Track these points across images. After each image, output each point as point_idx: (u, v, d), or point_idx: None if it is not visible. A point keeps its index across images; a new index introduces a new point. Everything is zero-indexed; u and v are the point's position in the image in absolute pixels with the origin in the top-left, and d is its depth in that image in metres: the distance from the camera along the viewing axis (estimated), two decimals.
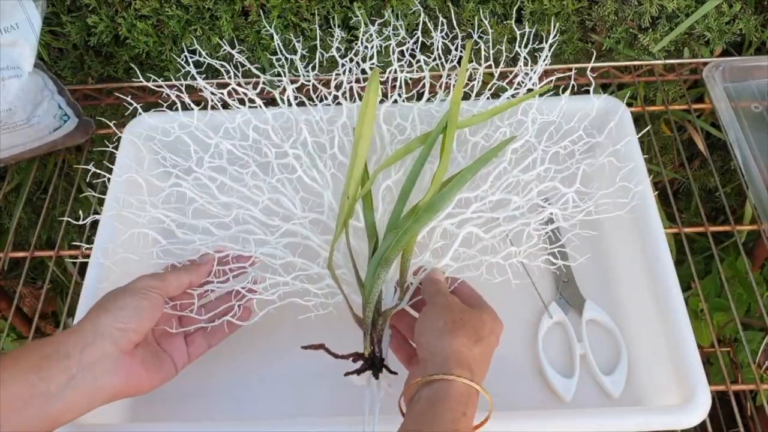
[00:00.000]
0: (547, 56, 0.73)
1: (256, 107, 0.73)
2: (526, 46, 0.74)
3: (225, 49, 0.78)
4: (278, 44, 0.76)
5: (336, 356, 0.55)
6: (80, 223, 0.66)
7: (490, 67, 0.75)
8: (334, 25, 0.86)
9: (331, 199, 0.67)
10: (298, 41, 0.77)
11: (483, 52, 0.74)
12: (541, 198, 0.67)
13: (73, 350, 0.48)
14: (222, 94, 0.72)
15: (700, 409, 0.57)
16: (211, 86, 0.73)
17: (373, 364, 0.55)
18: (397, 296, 0.60)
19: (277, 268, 0.64)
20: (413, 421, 0.48)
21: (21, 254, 0.79)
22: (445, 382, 0.49)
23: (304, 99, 0.75)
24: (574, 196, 0.66)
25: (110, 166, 0.74)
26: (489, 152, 0.66)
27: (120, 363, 0.51)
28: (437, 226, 0.64)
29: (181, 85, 0.73)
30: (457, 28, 0.77)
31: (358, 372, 0.55)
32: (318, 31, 0.82)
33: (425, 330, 0.54)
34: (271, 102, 0.77)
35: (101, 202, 0.73)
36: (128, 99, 0.74)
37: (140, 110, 0.74)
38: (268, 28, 0.80)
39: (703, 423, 0.60)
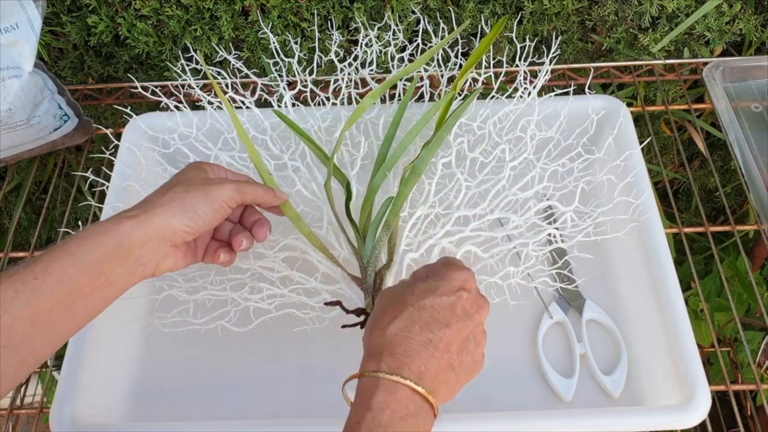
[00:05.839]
0: (547, 71, 0.74)
1: (254, 114, 0.73)
2: (525, 53, 0.74)
3: (224, 51, 0.78)
4: (275, 46, 0.76)
5: (347, 311, 0.60)
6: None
7: (489, 68, 0.75)
8: (333, 27, 0.86)
9: (330, 213, 0.67)
10: (296, 43, 0.76)
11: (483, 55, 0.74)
12: (543, 200, 0.67)
13: (134, 247, 0.51)
14: (219, 104, 0.73)
15: (700, 409, 0.57)
16: (209, 95, 0.73)
17: None
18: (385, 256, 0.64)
19: (274, 281, 0.64)
20: None
21: (21, 254, 0.79)
22: (356, 381, 0.48)
23: (302, 106, 0.75)
24: (573, 215, 0.66)
25: (112, 158, 0.74)
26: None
27: (167, 255, 0.54)
28: (436, 244, 0.65)
29: (180, 93, 0.73)
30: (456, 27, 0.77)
31: (361, 325, 0.59)
32: (317, 33, 0.82)
33: None
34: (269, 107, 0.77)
35: (102, 198, 0.73)
36: (128, 110, 0.74)
37: (134, 115, 0.75)
38: (265, 29, 0.80)
39: (703, 423, 0.60)
